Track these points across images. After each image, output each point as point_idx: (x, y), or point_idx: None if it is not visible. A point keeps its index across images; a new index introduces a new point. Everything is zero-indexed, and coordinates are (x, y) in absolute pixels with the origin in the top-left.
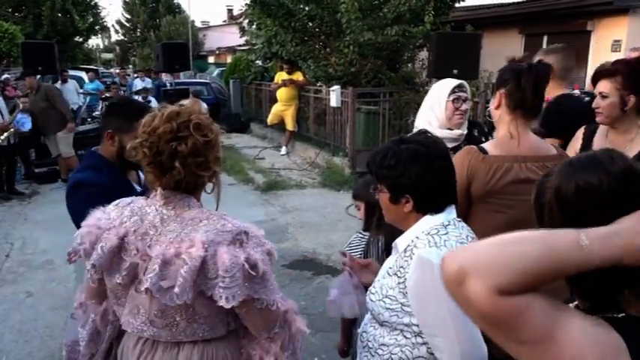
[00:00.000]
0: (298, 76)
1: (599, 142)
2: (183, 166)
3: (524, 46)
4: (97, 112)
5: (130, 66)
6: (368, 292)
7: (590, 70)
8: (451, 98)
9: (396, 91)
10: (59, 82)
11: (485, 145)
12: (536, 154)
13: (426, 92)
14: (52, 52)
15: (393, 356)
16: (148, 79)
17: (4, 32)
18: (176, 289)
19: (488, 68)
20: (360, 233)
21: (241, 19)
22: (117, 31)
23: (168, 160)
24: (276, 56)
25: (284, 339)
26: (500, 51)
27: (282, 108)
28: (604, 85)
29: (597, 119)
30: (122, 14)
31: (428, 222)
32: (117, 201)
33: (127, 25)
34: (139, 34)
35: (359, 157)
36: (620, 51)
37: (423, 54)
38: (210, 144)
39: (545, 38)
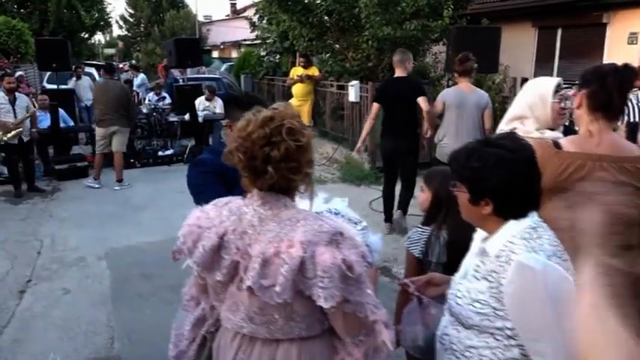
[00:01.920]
0: (314, 71)
1: None
2: (276, 170)
3: (538, 39)
4: None
5: (133, 61)
6: (452, 296)
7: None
8: (557, 98)
9: None
10: (73, 78)
11: (561, 141)
12: (614, 154)
13: (441, 86)
14: (66, 49)
15: (483, 358)
16: (142, 76)
17: (12, 29)
18: (277, 288)
19: (502, 62)
20: (420, 228)
21: (247, 14)
22: (120, 27)
23: (262, 165)
24: (288, 51)
25: (369, 348)
26: (514, 45)
27: (298, 103)
28: None
29: None
30: (125, 9)
31: (516, 226)
32: (215, 200)
33: (131, 20)
34: (142, 29)
35: (379, 152)
36: (636, 43)
37: (436, 48)
38: (302, 149)
39: (559, 31)
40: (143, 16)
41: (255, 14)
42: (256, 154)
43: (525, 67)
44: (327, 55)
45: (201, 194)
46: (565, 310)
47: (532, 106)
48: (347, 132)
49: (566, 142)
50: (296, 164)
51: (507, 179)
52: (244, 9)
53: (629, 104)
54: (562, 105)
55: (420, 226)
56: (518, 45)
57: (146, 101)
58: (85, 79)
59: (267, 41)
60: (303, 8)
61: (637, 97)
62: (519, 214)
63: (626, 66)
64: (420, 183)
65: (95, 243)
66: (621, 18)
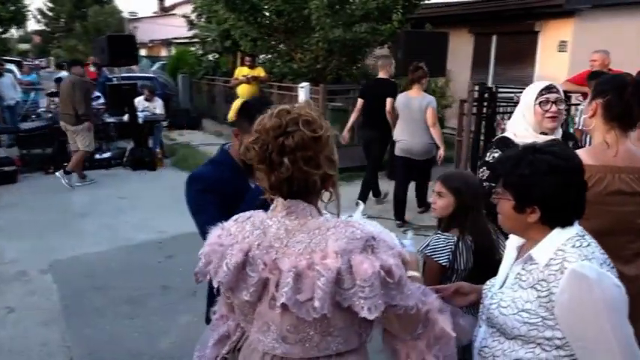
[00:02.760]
0: (260, 72)
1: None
2: (291, 162)
3: (475, 45)
4: (42, 109)
5: (51, 58)
6: (494, 306)
7: (538, 69)
8: (538, 101)
9: (358, 87)
10: None
11: (579, 152)
12: (632, 165)
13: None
14: None
15: None
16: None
17: None
18: (315, 303)
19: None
20: (442, 234)
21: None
22: (38, 21)
23: (277, 156)
24: (229, 51)
25: (429, 338)
26: (452, 50)
27: None
28: None
29: None
30: (44, 3)
31: (564, 234)
32: (235, 216)
33: (50, 14)
34: (62, 24)
35: (345, 152)
36: (566, 51)
37: (379, 51)
38: (319, 140)
39: (494, 38)
40: (64, 11)
41: (193, 12)
42: (271, 145)
43: (463, 72)
44: (273, 55)
45: (200, 214)
46: (619, 319)
47: (523, 111)
48: None
49: (583, 154)
50: (312, 155)
51: (559, 187)
52: (173, 6)
53: (581, 111)
54: (545, 107)
55: (440, 232)
56: (456, 50)
57: None
58: (8, 77)
59: (207, 40)
60: (250, 7)
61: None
62: (566, 222)
63: None
64: (434, 187)
65: (36, 255)
66: (552, 27)
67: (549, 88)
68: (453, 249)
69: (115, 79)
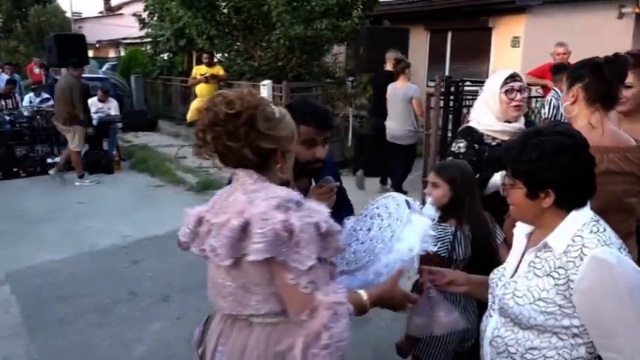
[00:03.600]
0: (219, 70)
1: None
2: (213, 138)
3: (430, 41)
4: None
5: None
6: (508, 296)
7: (493, 65)
8: (504, 90)
9: (322, 85)
10: None
11: None
12: (617, 145)
13: (346, 86)
14: None
15: (548, 359)
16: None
17: None
18: (219, 250)
19: None
20: (439, 225)
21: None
22: None
23: (201, 132)
24: (184, 50)
25: (309, 334)
26: (409, 46)
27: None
28: (629, 77)
29: (620, 108)
30: None
31: (579, 218)
32: None
33: None
34: (0, 24)
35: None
36: (519, 47)
37: (337, 48)
38: (237, 116)
39: (449, 34)
40: (2, 10)
41: (144, 10)
42: (199, 128)
43: (419, 69)
44: (231, 54)
45: None
46: None
47: (487, 100)
48: None
49: None
50: (232, 129)
51: (570, 166)
52: (120, 6)
53: (549, 101)
54: (510, 96)
55: (437, 223)
56: (413, 47)
57: (24, 103)
58: None
59: (160, 39)
60: (208, 4)
61: (557, 94)
62: (581, 202)
63: (616, 55)
64: (430, 178)
65: None
66: (505, 23)
67: (513, 77)
68: (452, 239)
69: None
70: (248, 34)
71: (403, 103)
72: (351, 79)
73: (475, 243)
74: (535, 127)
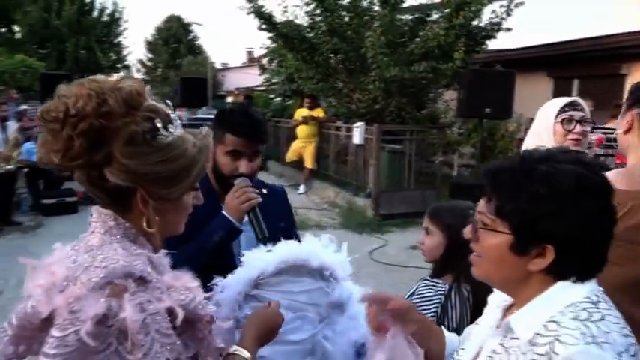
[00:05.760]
0: (319, 113)
1: None
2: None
3: (554, 89)
4: None
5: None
6: None
7: None
8: (559, 119)
9: (421, 129)
10: None
11: (609, 175)
12: None
13: (452, 133)
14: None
15: None
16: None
17: (28, 67)
18: (5, 338)
19: (517, 110)
20: (430, 281)
21: (258, 58)
22: (138, 70)
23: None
24: (297, 93)
25: None
26: (528, 94)
27: (302, 145)
28: None
29: None
30: (144, 54)
31: (565, 294)
32: None
33: (149, 64)
34: (159, 72)
35: (382, 199)
36: None
37: (448, 94)
38: (82, 120)
39: (575, 82)
40: (161, 61)
41: (265, 57)
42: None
43: None
44: (332, 96)
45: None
46: None
47: (539, 132)
48: (350, 176)
49: (616, 177)
50: (66, 137)
51: (591, 216)
52: (260, 57)
53: None
54: (567, 127)
55: (428, 278)
56: (533, 94)
57: None
58: None
59: (274, 81)
60: (309, 47)
61: None
62: (585, 274)
63: None
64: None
65: None
66: None
67: (573, 105)
68: (443, 300)
69: (185, 118)
70: (348, 76)
71: None
72: (457, 125)
73: (476, 307)
74: (542, 149)
